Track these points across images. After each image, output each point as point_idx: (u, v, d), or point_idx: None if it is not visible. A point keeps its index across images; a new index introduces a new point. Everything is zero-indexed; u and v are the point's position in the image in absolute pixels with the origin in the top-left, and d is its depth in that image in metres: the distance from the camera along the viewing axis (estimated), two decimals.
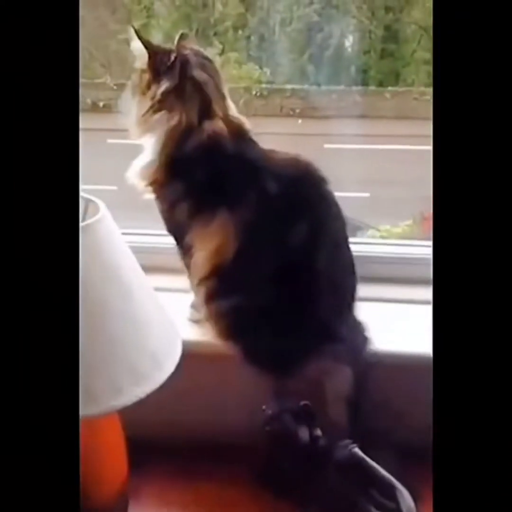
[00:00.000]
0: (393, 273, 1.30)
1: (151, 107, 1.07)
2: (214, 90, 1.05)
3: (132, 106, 1.13)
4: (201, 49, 1.13)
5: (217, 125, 1.04)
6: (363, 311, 1.16)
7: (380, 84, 5.20)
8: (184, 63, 1.05)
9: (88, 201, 0.90)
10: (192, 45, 1.10)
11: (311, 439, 1.08)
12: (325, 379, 1.03)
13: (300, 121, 2.68)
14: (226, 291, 1.08)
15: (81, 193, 0.92)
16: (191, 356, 0.94)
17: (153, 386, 0.86)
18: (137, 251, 0.93)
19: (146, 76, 1.10)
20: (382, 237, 2.59)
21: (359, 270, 1.24)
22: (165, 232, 1.39)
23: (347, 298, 1.06)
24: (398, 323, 1.20)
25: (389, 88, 5.19)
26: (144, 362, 0.86)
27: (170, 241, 1.37)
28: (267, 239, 1.01)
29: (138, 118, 1.10)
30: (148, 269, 0.93)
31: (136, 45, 1.01)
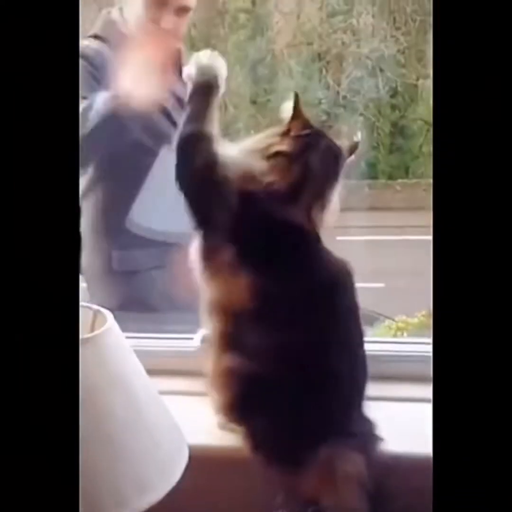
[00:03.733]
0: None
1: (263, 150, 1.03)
2: (315, 184, 1.01)
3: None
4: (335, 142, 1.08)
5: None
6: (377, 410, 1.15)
7: (390, 177, 5.33)
8: (311, 142, 1.01)
9: (96, 312, 0.91)
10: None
11: None
12: (337, 464, 1.00)
13: None
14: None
15: (89, 304, 0.92)
16: (197, 460, 0.92)
17: (159, 496, 0.83)
18: (141, 354, 0.94)
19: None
20: (399, 327, 2.57)
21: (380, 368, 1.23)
22: (167, 335, 1.38)
23: (357, 395, 1.03)
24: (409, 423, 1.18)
25: (399, 180, 5.31)
26: (150, 470, 0.83)
27: (173, 343, 1.37)
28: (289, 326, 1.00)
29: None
30: (152, 372, 0.93)
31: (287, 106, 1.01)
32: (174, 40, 1.52)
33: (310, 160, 0.99)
